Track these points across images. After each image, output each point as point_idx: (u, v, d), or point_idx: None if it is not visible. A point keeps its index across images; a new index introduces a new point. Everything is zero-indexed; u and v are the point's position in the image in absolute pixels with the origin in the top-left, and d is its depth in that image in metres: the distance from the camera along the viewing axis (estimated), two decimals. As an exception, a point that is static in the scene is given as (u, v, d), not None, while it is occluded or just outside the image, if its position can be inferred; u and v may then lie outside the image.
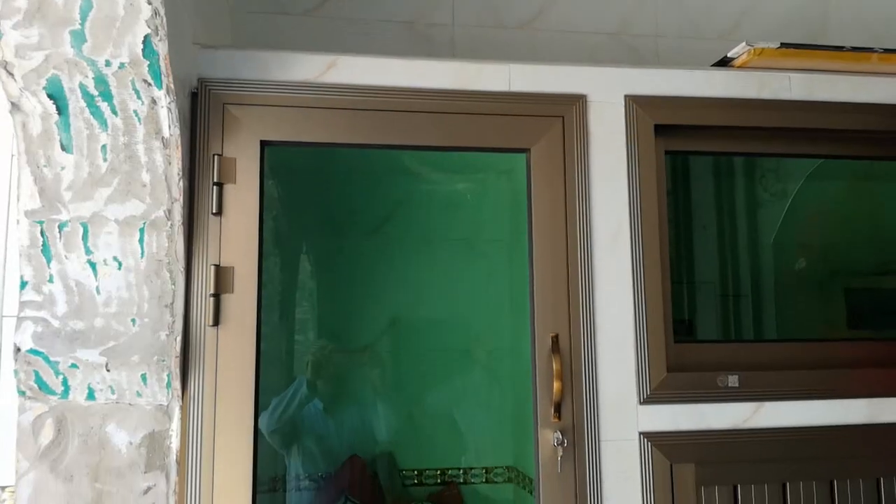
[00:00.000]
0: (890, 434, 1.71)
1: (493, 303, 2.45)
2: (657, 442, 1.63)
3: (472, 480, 2.35)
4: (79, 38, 1.30)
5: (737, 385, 1.67)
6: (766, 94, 1.78)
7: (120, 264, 1.47)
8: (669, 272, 1.74)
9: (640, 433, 1.63)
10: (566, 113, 1.70)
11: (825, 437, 1.69)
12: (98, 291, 1.46)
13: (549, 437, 1.60)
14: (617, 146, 1.72)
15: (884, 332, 2.43)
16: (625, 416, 1.64)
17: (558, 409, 1.60)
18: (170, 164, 1.47)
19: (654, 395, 1.64)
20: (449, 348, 2.46)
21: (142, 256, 1.47)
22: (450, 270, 2.46)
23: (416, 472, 2.35)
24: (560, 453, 1.59)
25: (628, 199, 1.70)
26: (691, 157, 2.57)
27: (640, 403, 1.64)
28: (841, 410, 1.71)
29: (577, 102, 1.70)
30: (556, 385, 1.60)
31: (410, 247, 2.47)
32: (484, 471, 2.36)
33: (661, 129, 1.74)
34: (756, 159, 2.52)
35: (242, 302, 1.53)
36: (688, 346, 1.73)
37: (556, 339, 1.63)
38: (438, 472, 2.35)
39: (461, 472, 2.36)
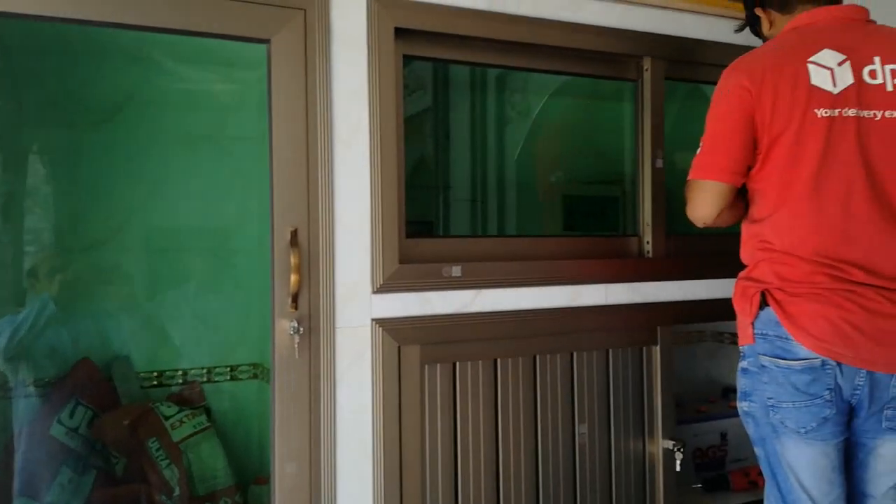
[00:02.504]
0: (584, 315, 2.01)
1: (238, 202, 2.41)
2: (387, 327, 1.76)
3: (216, 379, 2.36)
4: None
5: (459, 275, 1.85)
6: (497, 7, 1.91)
7: None
8: (405, 170, 1.84)
9: (373, 319, 1.75)
10: (308, 6, 1.69)
11: (533, 318, 1.94)
12: None
13: (285, 326, 1.66)
14: (359, 44, 1.75)
15: (589, 231, 2.80)
16: (359, 305, 1.74)
17: (296, 299, 1.66)
18: None
19: (386, 284, 1.76)
20: (191, 248, 2.40)
21: None
22: (191, 168, 2.37)
23: (155, 374, 2.30)
24: (297, 340, 1.66)
25: (368, 97, 1.76)
26: (452, 70, 2.69)
27: (374, 293, 1.75)
28: (547, 295, 1.97)
29: (319, -4, 1.70)
30: (294, 278, 1.65)
31: (148, 141, 2.33)
32: (229, 369, 2.38)
33: (400, 32, 1.80)
34: (506, 78, 2.70)
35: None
36: (418, 240, 1.86)
37: (294, 233, 1.67)
38: (180, 373, 2.33)
39: (204, 371, 2.35)
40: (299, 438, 1.67)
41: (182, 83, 2.40)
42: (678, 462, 2.10)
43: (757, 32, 1.85)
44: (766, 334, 1.61)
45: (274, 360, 1.67)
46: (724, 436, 2.67)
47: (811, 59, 1.57)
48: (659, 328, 2.12)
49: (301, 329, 1.66)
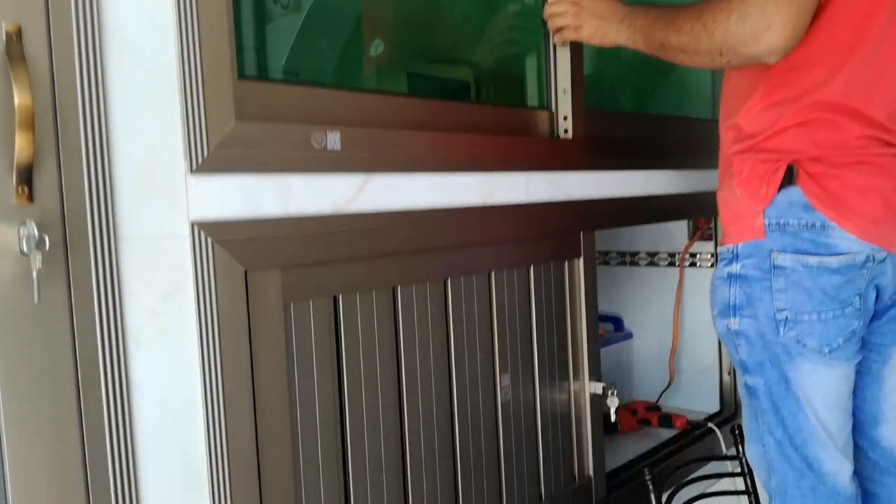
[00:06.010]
0: (501, 217, 1.36)
1: None
2: (222, 237, 0.94)
3: None
4: None
5: (338, 147, 1.08)
6: None
7: None
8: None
9: (194, 223, 0.92)
10: None
11: (442, 222, 1.24)
12: None
13: (8, 237, 0.78)
14: None
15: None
16: (164, 196, 0.90)
17: (29, 178, 0.78)
18: None
19: (215, 157, 0.93)
20: None
21: None
22: None
23: None
24: (38, 264, 0.78)
25: None
26: None
27: (193, 172, 0.92)
28: (457, 187, 1.27)
29: None
30: (23, 138, 0.77)
31: None
32: None
33: None
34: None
35: None
36: (262, 84, 1.06)
37: (15, 37, 0.78)
38: None
39: None
40: (54, 467, 0.81)
41: None
42: (613, 411, 1.57)
43: None
44: (786, 224, 1.16)
45: (-16, 310, 0.78)
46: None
47: None
48: (582, 234, 1.55)
49: (47, 241, 0.79)
